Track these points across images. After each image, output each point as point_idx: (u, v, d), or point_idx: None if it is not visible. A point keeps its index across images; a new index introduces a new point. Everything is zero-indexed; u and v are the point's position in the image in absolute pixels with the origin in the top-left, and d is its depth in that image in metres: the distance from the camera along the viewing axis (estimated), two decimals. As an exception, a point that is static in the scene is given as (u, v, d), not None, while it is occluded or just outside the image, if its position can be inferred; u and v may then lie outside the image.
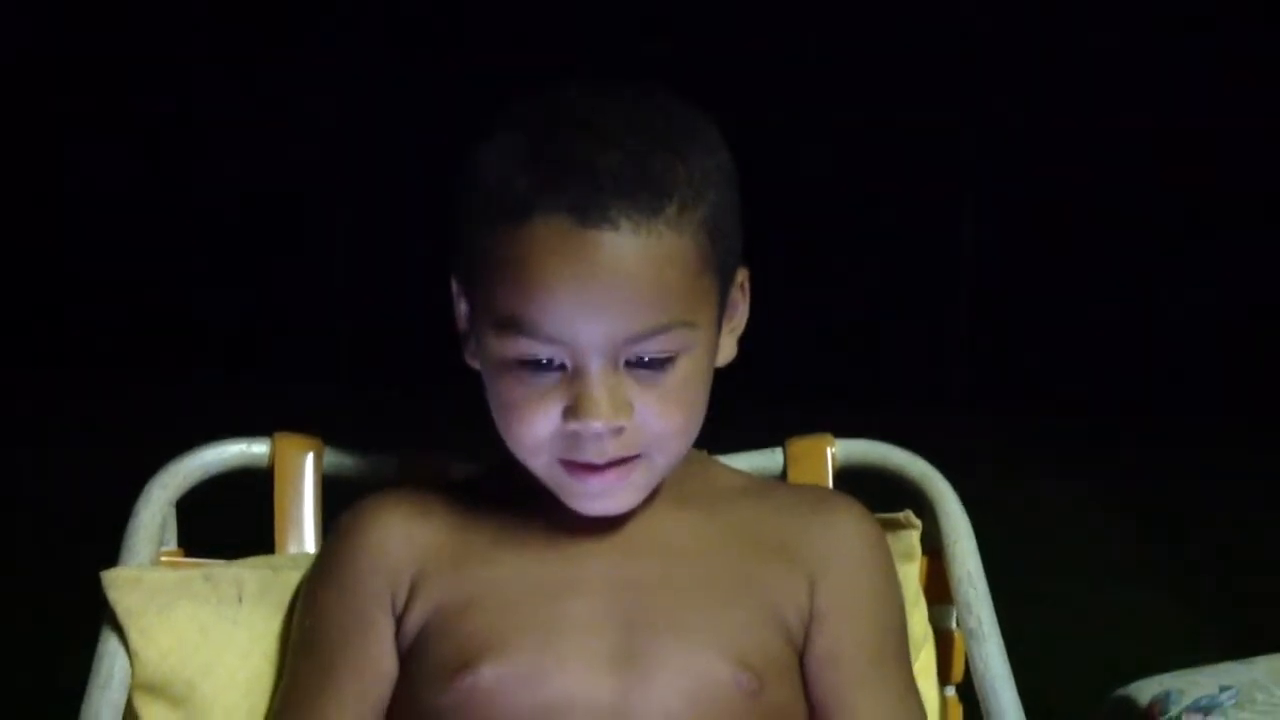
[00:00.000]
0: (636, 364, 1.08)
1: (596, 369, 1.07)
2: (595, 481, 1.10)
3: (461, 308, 1.15)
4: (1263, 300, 7.34)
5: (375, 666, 1.13)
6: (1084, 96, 7.20)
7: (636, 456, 1.10)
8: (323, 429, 1.37)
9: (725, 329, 1.15)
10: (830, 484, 1.37)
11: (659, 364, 1.08)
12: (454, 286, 1.16)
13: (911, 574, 1.32)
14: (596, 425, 1.07)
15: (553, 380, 1.08)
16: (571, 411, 1.07)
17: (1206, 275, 7.45)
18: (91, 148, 8.09)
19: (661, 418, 1.09)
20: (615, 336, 1.06)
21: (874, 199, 7.63)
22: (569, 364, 1.07)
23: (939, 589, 1.33)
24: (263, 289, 8.26)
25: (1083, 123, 7.20)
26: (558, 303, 1.05)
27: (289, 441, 1.34)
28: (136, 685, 1.22)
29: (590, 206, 1.04)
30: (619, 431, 1.08)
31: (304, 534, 1.32)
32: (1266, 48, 6.98)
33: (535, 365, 1.08)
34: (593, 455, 1.09)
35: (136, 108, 7.99)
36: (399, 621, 1.14)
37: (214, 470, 1.33)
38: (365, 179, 8.23)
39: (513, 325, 1.07)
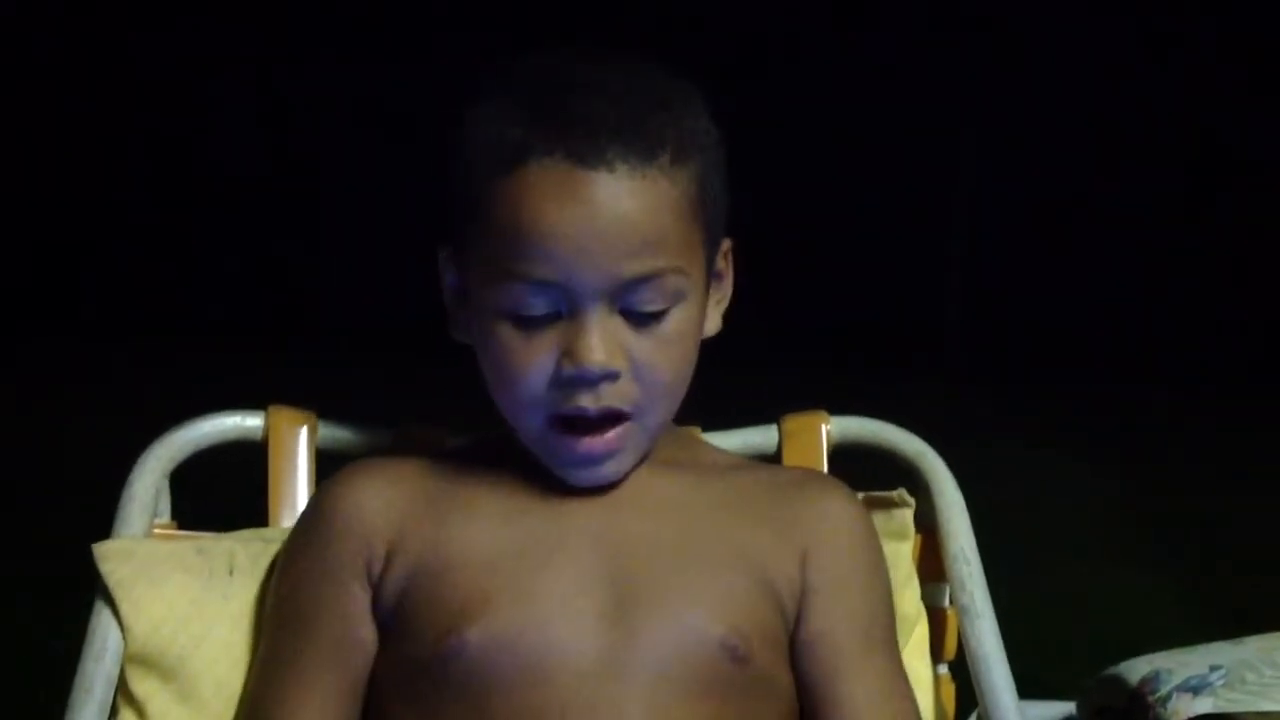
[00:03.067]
0: (631, 313, 1.08)
1: (593, 312, 1.07)
2: (586, 445, 1.10)
3: (450, 279, 1.15)
4: (1256, 282, 7.36)
5: (352, 634, 1.13)
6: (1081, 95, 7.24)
7: (627, 418, 1.10)
8: (317, 403, 1.37)
9: (712, 299, 1.16)
10: (825, 461, 1.37)
11: (654, 315, 1.09)
12: (441, 259, 1.15)
13: (905, 552, 1.32)
14: (593, 368, 1.07)
15: (547, 329, 1.08)
16: (568, 356, 1.07)
17: (1201, 258, 7.46)
18: (97, 132, 8.12)
19: (654, 369, 1.09)
20: (612, 279, 1.06)
21: (873, 179, 7.63)
22: (564, 309, 1.07)
23: (933, 567, 1.33)
24: (260, 265, 8.25)
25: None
26: (554, 245, 1.05)
27: (283, 415, 1.34)
28: (128, 658, 1.21)
29: (587, 149, 1.05)
30: (614, 378, 1.08)
31: (297, 507, 1.31)
32: (1261, 48, 7.02)
33: (530, 320, 1.08)
34: (587, 402, 1.08)
35: (142, 94, 8.03)
36: (377, 588, 1.13)
37: (208, 442, 1.33)
38: (363, 156, 8.21)
39: (508, 273, 1.07)
